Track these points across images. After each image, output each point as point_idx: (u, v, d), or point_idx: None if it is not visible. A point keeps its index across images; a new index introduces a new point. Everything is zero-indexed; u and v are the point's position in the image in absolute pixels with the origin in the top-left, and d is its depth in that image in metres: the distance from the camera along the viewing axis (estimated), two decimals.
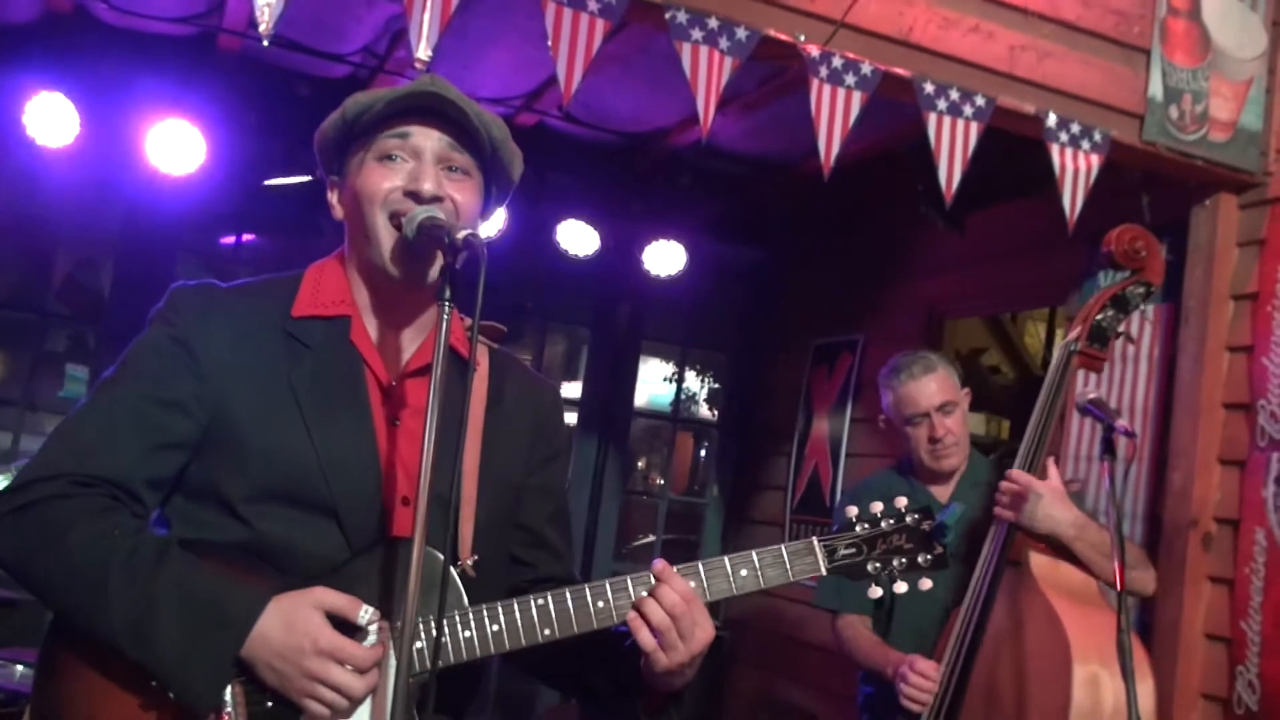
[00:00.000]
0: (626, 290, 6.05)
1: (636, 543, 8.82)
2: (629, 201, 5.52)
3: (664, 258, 5.59)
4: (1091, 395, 2.78)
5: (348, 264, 1.85)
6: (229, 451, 1.70)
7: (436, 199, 1.73)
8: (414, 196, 1.73)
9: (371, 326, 1.82)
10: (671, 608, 1.70)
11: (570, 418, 6.87)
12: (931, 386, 3.30)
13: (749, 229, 6.00)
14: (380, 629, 1.67)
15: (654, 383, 9.95)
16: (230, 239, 5.84)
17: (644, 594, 1.73)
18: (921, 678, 2.93)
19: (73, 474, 1.64)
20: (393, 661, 1.63)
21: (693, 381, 11.74)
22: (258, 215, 5.44)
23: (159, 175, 4.74)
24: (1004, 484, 2.88)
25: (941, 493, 3.35)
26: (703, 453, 9.34)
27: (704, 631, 1.72)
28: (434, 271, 1.75)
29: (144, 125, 4.65)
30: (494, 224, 5.18)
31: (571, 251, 5.44)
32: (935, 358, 3.39)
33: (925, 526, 1.87)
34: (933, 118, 3.27)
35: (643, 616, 1.71)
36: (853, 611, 3.39)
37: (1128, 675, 2.23)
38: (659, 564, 1.75)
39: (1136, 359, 3.96)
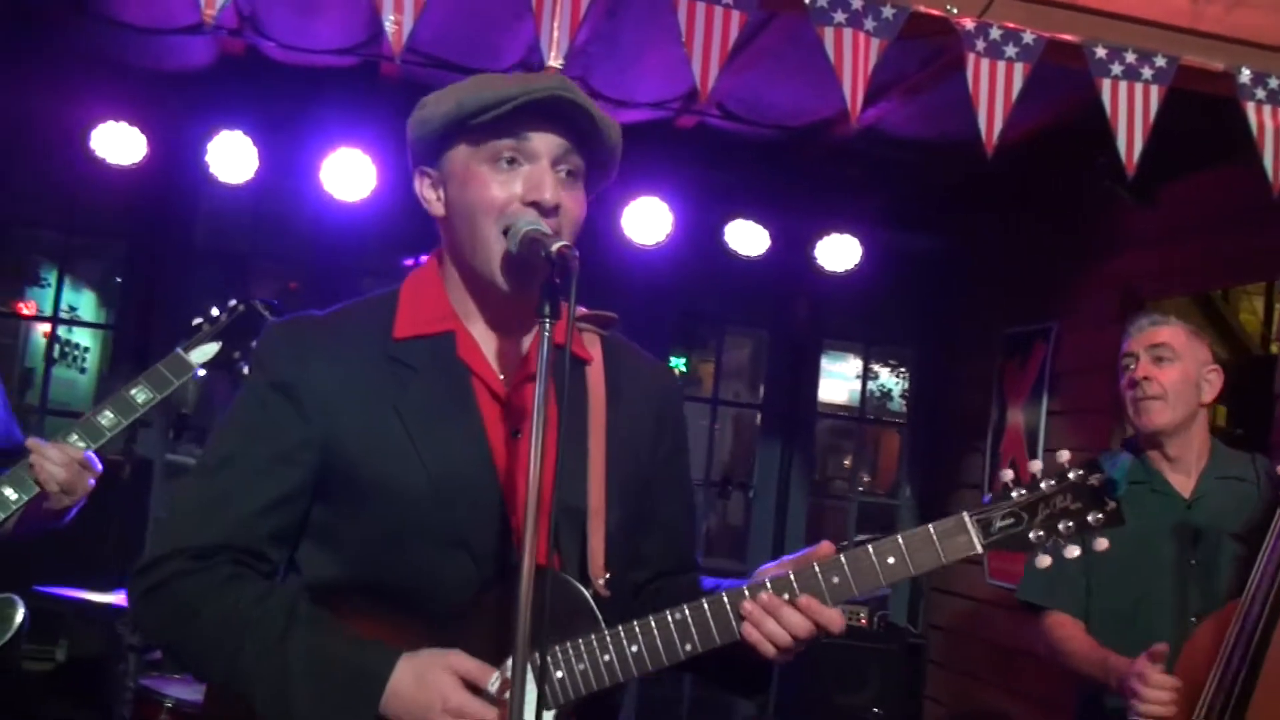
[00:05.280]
0: (802, 287, 5.90)
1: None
2: (797, 196, 5.37)
3: (838, 252, 5.43)
4: None
5: (446, 269, 1.77)
6: (345, 491, 1.66)
7: (555, 210, 1.65)
8: (535, 206, 1.64)
9: (481, 336, 1.74)
10: (798, 633, 1.62)
11: (754, 419, 6.77)
12: (1153, 332, 2.93)
13: (925, 217, 5.75)
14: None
15: (852, 380, 9.75)
16: (410, 260, 5.98)
17: (764, 611, 1.63)
18: (1160, 691, 2.53)
19: (193, 547, 1.64)
20: (532, 694, 1.56)
21: (886, 378, 11.47)
22: (432, 235, 5.54)
23: (335, 202, 4.89)
24: None
25: (1183, 484, 2.93)
26: (895, 451, 9.11)
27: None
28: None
29: (318, 156, 4.81)
30: (661, 228, 5.14)
31: (741, 251, 5.34)
32: (1178, 320, 3.00)
33: (1093, 482, 1.68)
34: (1107, 84, 3.03)
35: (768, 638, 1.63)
36: (1064, 609, 2.97)
37: None
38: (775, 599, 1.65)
39: None
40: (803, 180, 5.36)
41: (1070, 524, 1.68)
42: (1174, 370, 2.89)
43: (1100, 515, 1.67)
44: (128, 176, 4.75)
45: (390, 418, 1.66)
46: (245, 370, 2.60)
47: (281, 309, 2.66)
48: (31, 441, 2.40)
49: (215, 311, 2.63)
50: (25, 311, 7.86)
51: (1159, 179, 3.98)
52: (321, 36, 4.45)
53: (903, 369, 8.91)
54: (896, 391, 10.56)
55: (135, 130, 4.67)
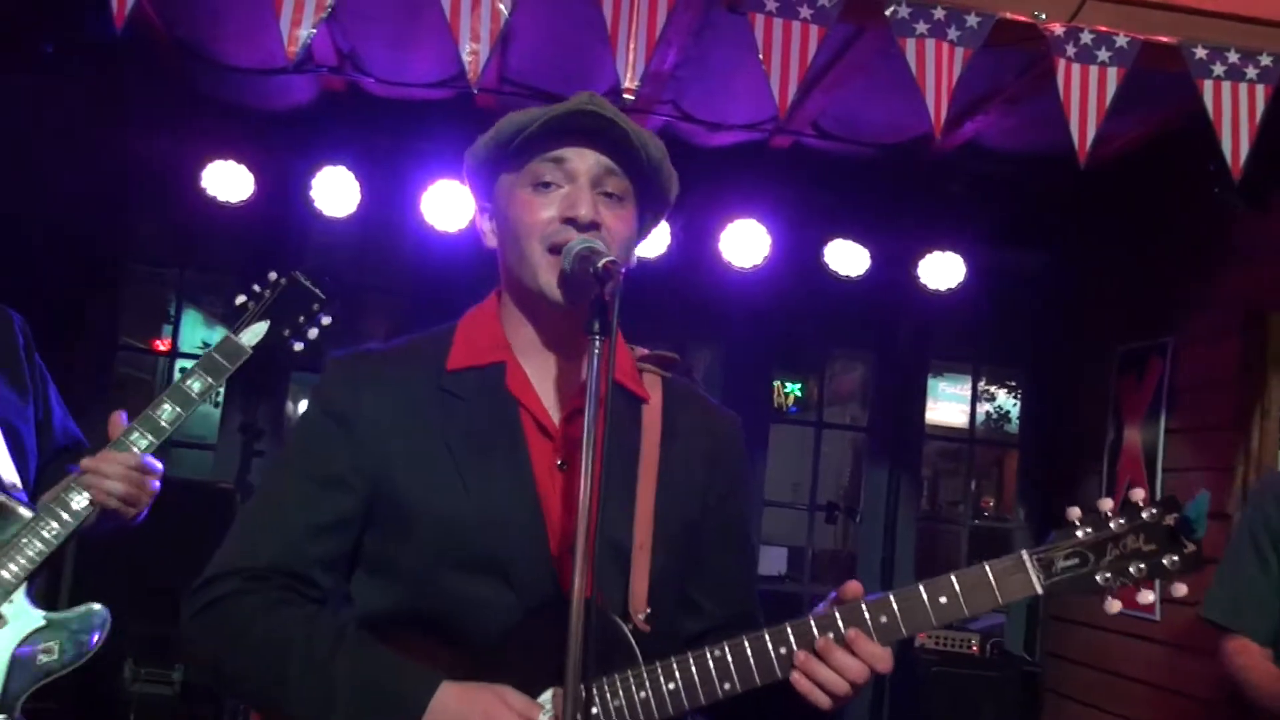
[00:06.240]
0: (905, 308, 5.77)
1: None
2: (897, 215, 5.27)
3: (941, 270, 5.29)
4: None
5: (503, 302, 1.79)
6: (394, 520, 1.68)
7: (594, 225, 1.65)
8: (571, 223, 1.65)
9: (531, 367, 1.75)
10: (853, 678, 1.57)
11: (858, 441, 6.67)
12: None
13: (1032, 232, 5.58)
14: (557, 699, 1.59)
15: (968, 402, 9.54)
16: None
17: (816, 657, 1.59)
18: None
19: (247, 568, 1.67)
20: None
21: (1004, 399, 11.17)
22: None
23: (436, 234, 4.96)
24: None
25: None
26: (1009, 473, 8.86)
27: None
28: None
29: (419, 189, 4.89)
30: (759, 251, 5.09)
31: (842, 272, 5.25)
32: None
33: (1169, 521, 1.59)
34: (1209, 86, 2.91)
35: (818, 683, 1.58)
36: (1249, 634, 2.73)
37: None
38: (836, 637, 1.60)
39: None
40: (902, 198, 5.26)
41: (1142, 566, 1.58)
42: None
43: (1177, 559, 1.58)
44: (237, 213, 4.90)
45: (439, 448, 1.68)
46: (296, 347, 2.55)
47: (331, 285, 2.60)
48: (85, 462, 2.38)
49: (257, 288, 2.56)
50: (161, 347, 8.21)
51: (1274, 184, 3.79)
52: (418, 71, 4.54)
53: (1019, 389, 8.69)
54: (1015, 413, 10.28)
55: (243, 168, 4.81)
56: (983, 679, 5.12)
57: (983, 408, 11.25)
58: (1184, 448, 4.85)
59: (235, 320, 2.55)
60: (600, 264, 1.53)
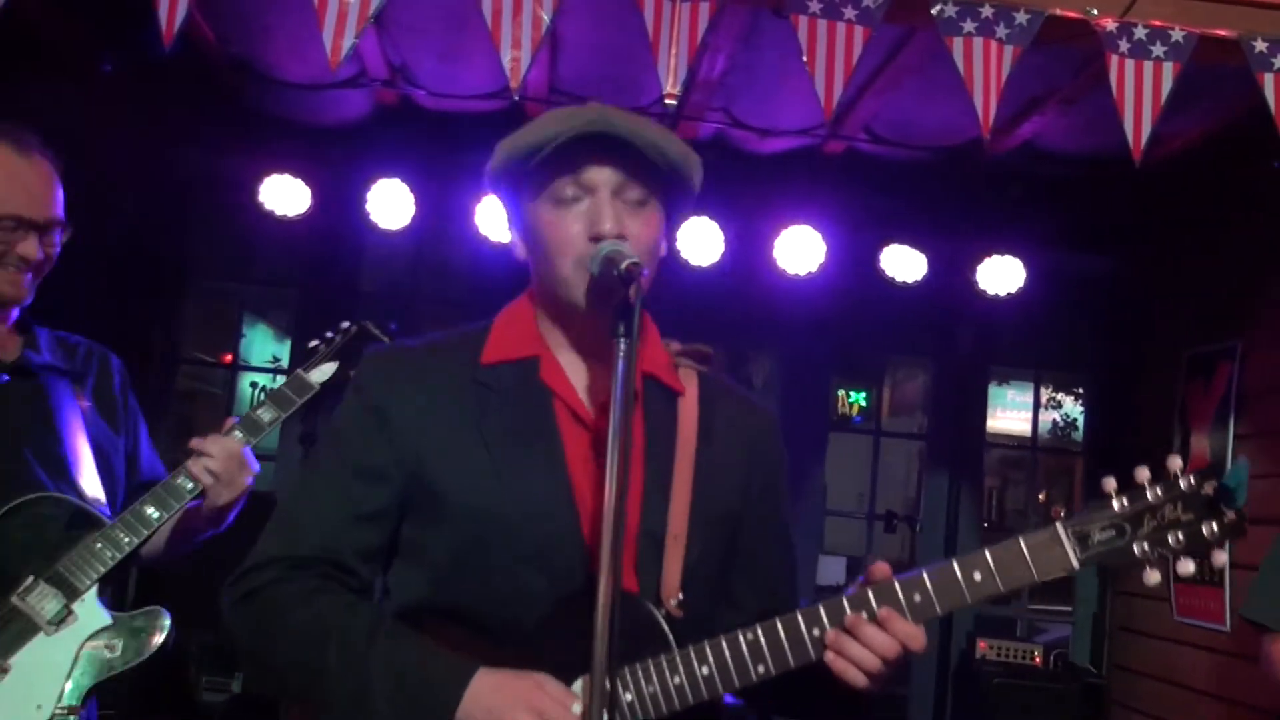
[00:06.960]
0: (964, 313, 5.69)
1: None
2: (953, 219, 5.19)
3: (1001, 275, 5.21)
4: None
5: (537, 304, 1.81)
6: (429, 511, 1.70)
7: (619, 238, 1.66)
8: (597, 240, 1.66)
9: (567, 362, 1.77)
10: (885, 653, 1.54)
11: (924, 450, 6.59)
12: None
13: (1094, 235, 5.47)
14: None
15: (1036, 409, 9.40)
16: None
17: (848, 635, 1.56)
18: None
19: (287, 557, 1.69)
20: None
21: (1070, 406, 10.99)
22: None
23: (490, 244, 4.98)
24: None
25: None
26: (1079, 481, 8.69)
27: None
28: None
29: (472, 200, 4.92)
30: (814, 257, 5.04)
31: (898, 278, 5.18)
32: None
33: (1207, 490, 1.54)
34: (1269, 80, 2.84)
35: (852, 661, 1.56)
36: None
37: None
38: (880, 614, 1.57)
39: None
40: (959, 201, 5.19)
41: (1181, 536, 1.54)
42: None
43: (1216, 528, 1.53)
44: (295, 227, 4.97)
45: (474, 439, 1.70)
46: None
47: (398, 330, 2.74)
48: (194, 441, 2.51)
49: (330, 334, 2.72)
50: (228, 361, 8.41)
51: None
52: (468, 83, 4.57)
53: (1085, 396, 8.54)
54: (1082, 421, 10.12)
55: (299, 182, 4.88)
56: (1046, 691, 5.03)
57: (1050, 416, 11.07)
58: (1253, 454, 4.71)
59: (305, 352, 2.71)
60: (624, 266, 1.55)
